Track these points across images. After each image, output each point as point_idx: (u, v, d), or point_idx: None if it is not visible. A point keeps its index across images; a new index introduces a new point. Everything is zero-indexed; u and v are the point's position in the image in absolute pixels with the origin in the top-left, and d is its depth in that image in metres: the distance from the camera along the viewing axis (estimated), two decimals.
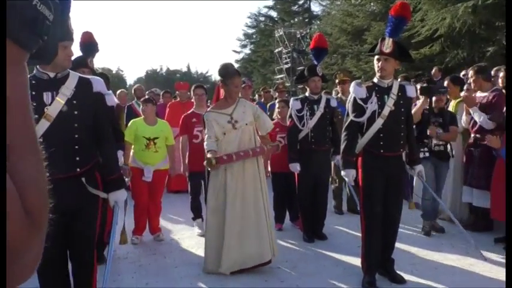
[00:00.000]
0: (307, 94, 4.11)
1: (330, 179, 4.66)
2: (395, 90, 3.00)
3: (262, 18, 26.60)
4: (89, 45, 3.30)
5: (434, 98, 4.00)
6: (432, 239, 4.02)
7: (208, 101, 6.34)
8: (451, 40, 9.94)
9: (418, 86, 4.10)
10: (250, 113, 3.15)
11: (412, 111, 3.52)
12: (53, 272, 2.10)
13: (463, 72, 5.55)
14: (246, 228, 3.02)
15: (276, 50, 22.91)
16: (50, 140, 1.75)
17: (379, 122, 2.97)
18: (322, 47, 4.01)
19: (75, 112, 2.06)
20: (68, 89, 2.05)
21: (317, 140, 4.01)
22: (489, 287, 2.90)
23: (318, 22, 21.60)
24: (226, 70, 3.10)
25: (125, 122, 5.47)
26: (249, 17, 33.45)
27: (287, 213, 4.55)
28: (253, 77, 25.80)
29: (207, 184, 3.14)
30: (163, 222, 4.55)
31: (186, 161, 4.24)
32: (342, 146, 3.07)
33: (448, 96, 4.32)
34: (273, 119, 4.50)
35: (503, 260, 3.29)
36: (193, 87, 4.50)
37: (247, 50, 28.61)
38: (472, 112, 3.96)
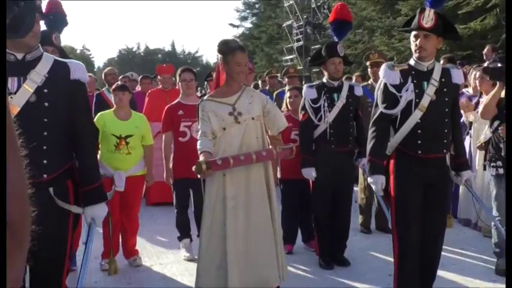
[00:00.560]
0: (324, 80, 4.14)
1: (355, 188, 4.66)
2: (437, 74, 3.03)
3: None
4: (56, 16, 3.29)
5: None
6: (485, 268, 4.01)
7: (198, 88, 6.34)
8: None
9: (474, 72, 4.06)
10: (258, 105, 3.13)
11: (482, 103, 3.41)
12: None
13: None
14: (250, 248, 3.02)
15: (285, 24, 22.98)
16: None
17: (416, 115, 2.99)
18: (345, 20, 4.02)
19: (46, 104, 2.07)
20: (38, 74, 2.06)
21: (338, 139, 4.03)
22: None
23: None
24: (226, 45, 3.09)
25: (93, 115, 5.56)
26: None
27: (299, 231, 4.58)
28: (255, 58, 25.92)
29: (203, 193, 3.13)
30: (140, 243, 4.58)
31: (170, 165, 4.26)
32: (369, 146, 3.09)
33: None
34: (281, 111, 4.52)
35: None
36: (179, 71, 4.52)
37: (247, 24, 28.70)
38: None
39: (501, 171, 3.70)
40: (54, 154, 2.10)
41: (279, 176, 4.48)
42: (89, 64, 39.98)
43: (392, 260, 3.15)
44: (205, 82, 7.99)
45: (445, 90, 3.03)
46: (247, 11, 28.23)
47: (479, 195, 3.94)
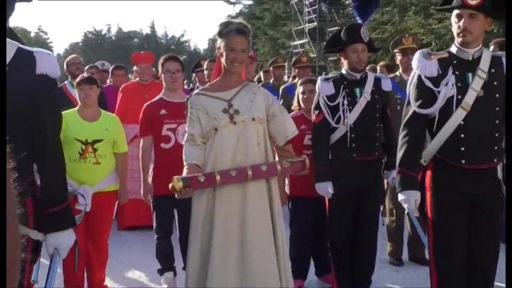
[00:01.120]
0: (344, 71, 4.16)
1: (382, 208, 4.68)
2: (485, 64, 3.03)
3: None
4: None
5: None
6: None
7: (185, 81, 6.33)
8: None
9: None
10: (261, 104, 3.16)
11: None
12: None
13: None
14: (247, 259, 3.00)
15: (294, 1, 23.06)
16: None
17: (458, 116, 3.00)
18: None
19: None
20: None
21: (360, 145, 4.04)
22: None
23: None
24: (224, 25, 3.16)
25: None
26: None
27: (311, 262, 4.56)
28: (256, 43, 25.94)
29: (191, 211, 3.13)
30: (111, 276, 4.56)
31: (150, 179, 4.28)
32: (400, 154, 3.10)
33: None
34: (290, 111, 4.54)
35: None
36: (161, 60, 4.52)
37: (247, 1, 28.76)
38: None
39: None
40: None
41: (287, 191, 4.48)
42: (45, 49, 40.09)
43: None
44: (193, 74, 8.04)
45: (495, 84, 3.03)
46: None
47: None
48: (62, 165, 2.33)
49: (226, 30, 3.11)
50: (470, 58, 3.04)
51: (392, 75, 5.32)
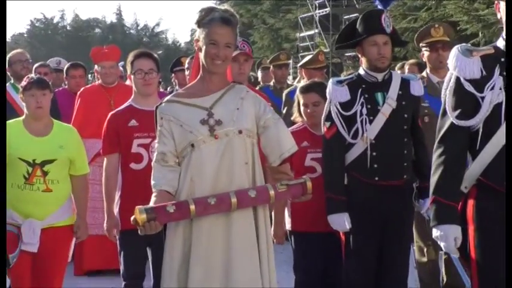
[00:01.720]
0: (361, 71, 4.18)
1: (412, 247, 4.66)
2: None
3: None
4: None
5: None
6: None
7: (161, 83, 6.28)
8: None
9: None
10: (250, 113, 3.17)
11: None
12: None
13: None
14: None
15: None
16: None
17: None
18: None
19: None
20: None
21: (384, 166, 4.05)
22: None
23: None
24: (204, 12, 3.16)
25: None
26: None
27: None
28: (253, 35, 25.94)
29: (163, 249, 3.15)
30: None
31: (116, 209, 4.29)
32: (434, 179, 3.08)
33: None
34: (292, 124, 4.53)
35: None
36: (130, 57, 4.53)
37: None
38: None
39: None
40: None
41: (288, 225, 4.46)
42: None
43: None
44: (172, 74, 8.05)
45: None
46: None
47: None
48: None
49: (208, 18, 3.11)
50: None
51: (418, 75, 5.13)
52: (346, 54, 19.46)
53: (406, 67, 7.27)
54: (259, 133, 3.17)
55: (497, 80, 3.01)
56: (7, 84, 6.59)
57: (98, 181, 4.57)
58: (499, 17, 3.13)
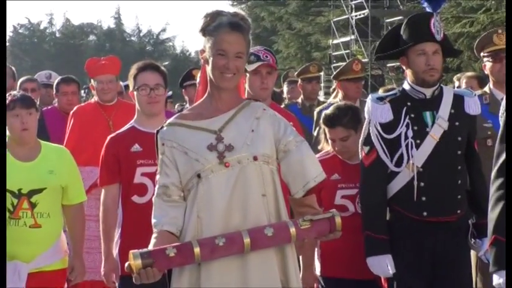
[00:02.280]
0: (406, 86, 4.13)
1: None
2: None
3: None
4: None
5: None
6: None
7: (169, 99, 5.96)
8: None
9: None
10: (268, 135, 3.08)
11: None
12: None
13: None
14: None
15: None
16: None
17: None
18: None
19: None
20: None
21: (434, 198, 3.98)
22: None
23: None
24: (209, 17, 3.04)
25: None
26: None
27: None
28: (277, 42, 25.96)
29: None
30: None
31: (116, 250, 4.25)
32: (493, 215, 2.89)
33: None
34: (317, 151, 4.41)
35: None
36: (133, 70, 4.46)
37: None
38: None
39: None
40: None
41: (318, 271, 4.43)
42: None
43: None
44: (183, 90, 7.98)
45: None
46: None
47: None
48: None
49: (214, 24, 3.02)
50: None
51: (479, 91, 5.13)
52: (389, 65, 19.35)
53: (464, 81, 7.16)
54: (279, 158, 3.10)
55: None
56: None
57: (94, 217, 4.59)
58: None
